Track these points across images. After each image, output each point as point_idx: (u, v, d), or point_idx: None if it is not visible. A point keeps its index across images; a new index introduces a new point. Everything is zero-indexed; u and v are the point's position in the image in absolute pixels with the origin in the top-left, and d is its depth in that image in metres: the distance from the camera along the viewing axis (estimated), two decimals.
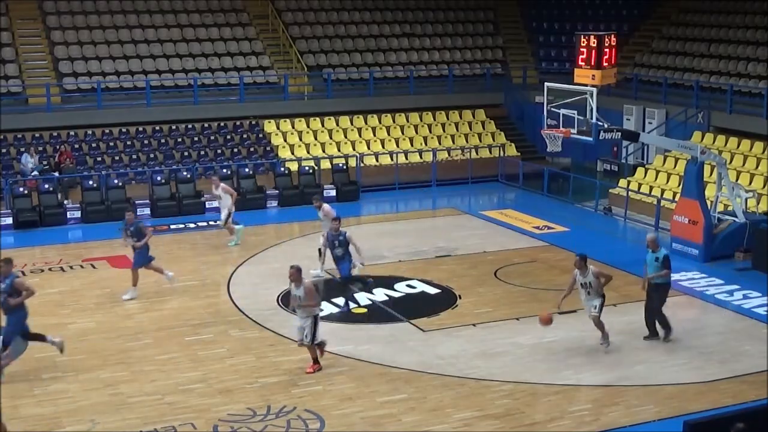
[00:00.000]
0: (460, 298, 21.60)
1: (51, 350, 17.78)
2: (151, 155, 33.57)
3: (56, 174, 31.57)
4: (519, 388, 16.50)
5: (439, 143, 36.64)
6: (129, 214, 22.13)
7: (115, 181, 31.18)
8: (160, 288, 22.15)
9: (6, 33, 36.48)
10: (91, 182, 31.01)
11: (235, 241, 26.53)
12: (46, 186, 30.49)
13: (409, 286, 22.44)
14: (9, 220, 28.95)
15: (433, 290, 22.25)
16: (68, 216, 29.91)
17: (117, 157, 33.33)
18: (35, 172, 31.27)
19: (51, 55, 36.54)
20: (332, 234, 20.74)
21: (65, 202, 30.49)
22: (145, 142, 34.32)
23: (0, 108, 31.82)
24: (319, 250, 23.00)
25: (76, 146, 33.45)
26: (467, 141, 37.00)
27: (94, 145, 33.78)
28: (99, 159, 33.07)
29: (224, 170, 32.32)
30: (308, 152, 35.12)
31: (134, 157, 33.42)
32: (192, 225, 29.18)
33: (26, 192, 30.08)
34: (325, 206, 23.15)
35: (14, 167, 31.94)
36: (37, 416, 15.30)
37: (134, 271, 21.76)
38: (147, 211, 30.42)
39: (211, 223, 29.21)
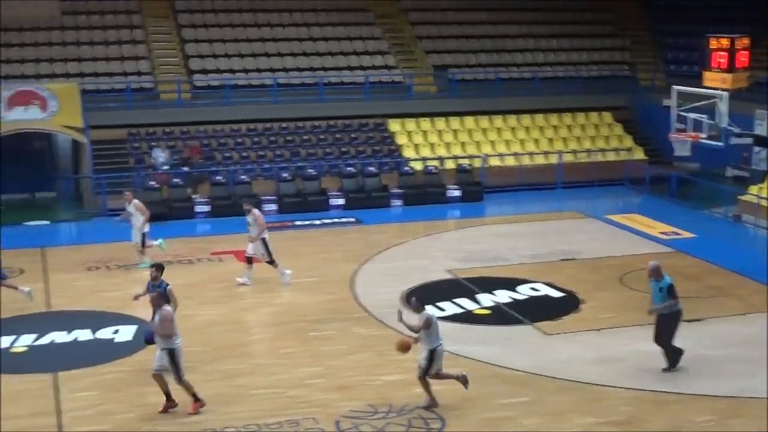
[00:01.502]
0: (583, 302, 21.35)
1: None
2: (278, 152, 34.05)
3: (185, 168, 32.27)
4: (640, 396, 16.21)
5: (565, 145, 36.26)
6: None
7: (243, 177, 31.74)
8: (282, 283, 22.45)
9: (139, 31, 37.46)
10: (219, 177, 31.64)
11: (148, 264, 23.12)
12: (176, 180, 31.21)
13: (532, 289, 22.26)
14: None
15: (556, 293, 22.04)
16: (196, 210, 30.57)
17: (244, 153, 33.90)
18: (166, 166, 32.04)
19: (182, 52, 37.35)
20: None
21: (194, 196, 31.15)
22: (272, 138, 34.83)
23: (133, 103, 32.72)
24: (248, 258, 22.65)
25: (205, 142, 34.14)
26: (593, 143, 36.54)
27: (222, 140, 34.42)
28: (227, 155, 33.68)
29: (349, 168, 32.60)
30: (432, 152, 35.13)
31: (261, 153, 33.93)
32: (317, 222, 29.50)
33: (157, 185, 30.82)
34: (255, 211, 22.73)
35: (145, 161, 32.77)
36: (161, 405, 15.64)
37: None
38: (273, 207, 30.84)
39: (335, 220, 29.53)
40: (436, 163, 34.00)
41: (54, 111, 31.79)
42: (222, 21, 38.60)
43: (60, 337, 19.00)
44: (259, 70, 36.80)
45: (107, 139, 33.15)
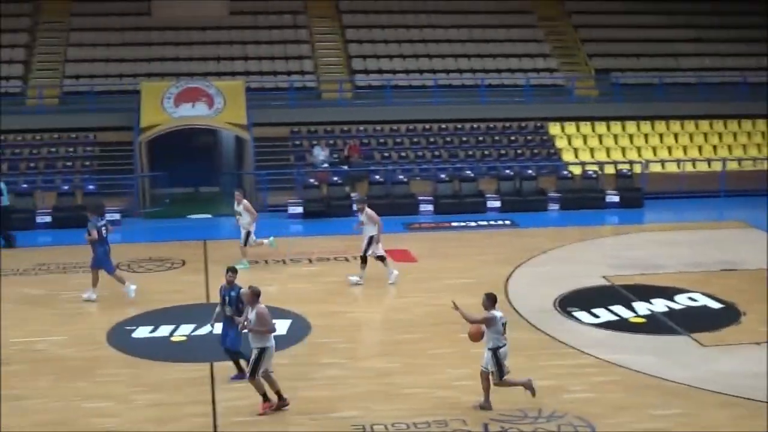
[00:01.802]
0: (743, 314, 20.69)
1: (330, 336, 18.55)
2: (436, 153, 34.16)
3: (345, 167, 32.70)
4: None
5: (729, 152, 35.24)
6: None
7: (400, 177, 31.95)
8: (440, 284, 22.48)
9: (304, 31, 38.16)
10: (377, 176, 31.93)
11: (246, 265, 24.00)
12: (335, 178, 31.65)
13: (690, 298, 21.70)
14: (299, 210, 30.29)
15: (715, 304, 21.43)
16: (354, 208, 30.88)
17: (403, 153, 34.13)
18: (325, 164, 32.54)
19: (345, 52, 37.86)
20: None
21: (352, 194, 31.52)
22: (431, 139, 34.98)
23: (295, 102, 33.33)
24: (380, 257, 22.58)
25: (365, 141, 34.52)
26: (759, 151, 35.37)
27: (381, 140, 34.75)
28: (386, 154, 33.99)
29: (507, 171, 32.46)
30: (592, 156, 34.67)
31: (419, 154, 34.11)
32: (472, 224, 29.47)
33: (316, 183, 31.33)
34: (368, 210, 22.69)
35: (306, 158, 33.35)
36: (314, 399, 15.88)
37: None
38: (429, 207, 30.96)
39: (491, 222, 29.45)
40: (595, 167, 33.53)
41: (220, 108, 32.69)
42: (385, 22, 38.98)
43: (218, 328, 19.47)
44: (420, 71, 37.02)
45: (270, 136, 33.89)
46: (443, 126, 35.41)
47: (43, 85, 35.12)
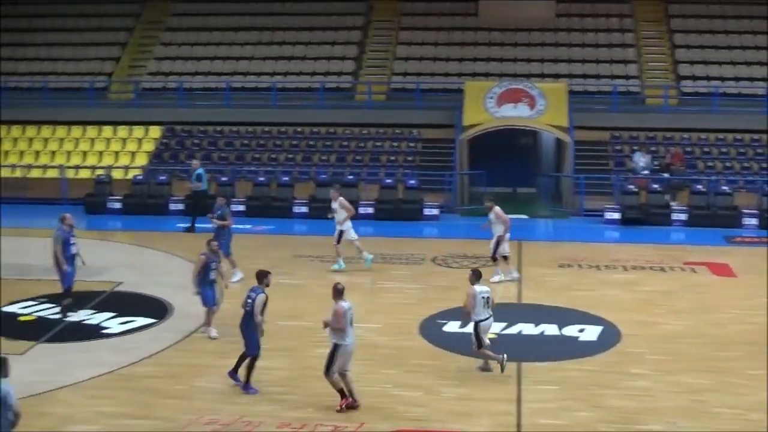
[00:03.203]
0: None
1: (641, 347, 18.22)
2: (764, 164, 32.61)
3: (666, 175, 31.88)
4: None
5: None
6: (221, 200, 23.75)
7: (724, 188, 30.79)
8: (760, 301, 21.45)
9: (630, 34, 37.53)
10: (699, 186, 30.92)
11: (342, 265, 24.09)
12: (655, 186, 30.93)
13: None
14: (616, 216, 29.85)
15: None
16: (673, 217, 30.12)
17: (728, 164, 32.87)
18: (645, 171, 31.85)
19: (672, 57, 36.89)
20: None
21: (672, 203, 30.70)
22: (758, 150, 33.45)
23: (618, 106, 32.83)
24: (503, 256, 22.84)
25: (688, 149, 33.50)
26: None
27: (705, 149, 33.61)
28: (709, 164, 32.84)
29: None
30: None
31: (746, 165, 32.72)
32: None
33: (635, 190, 30.74)
34: (497, 209, 22.91)
35: (626, 164, 32.78)
36: (620, 408, 15.61)
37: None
38: (754, 221, 29.57)
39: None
40: None
41: (541, 110, 32.75)
42: (716, 27, 37.63)
43: (527, 329, 19.56)
44: (750, 79, 35.46)
45: (590, 140, 33.58)
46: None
47: (373, 82, 36.51)
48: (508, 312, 20.41)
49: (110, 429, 15.00)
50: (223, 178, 32.36)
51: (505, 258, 23.24)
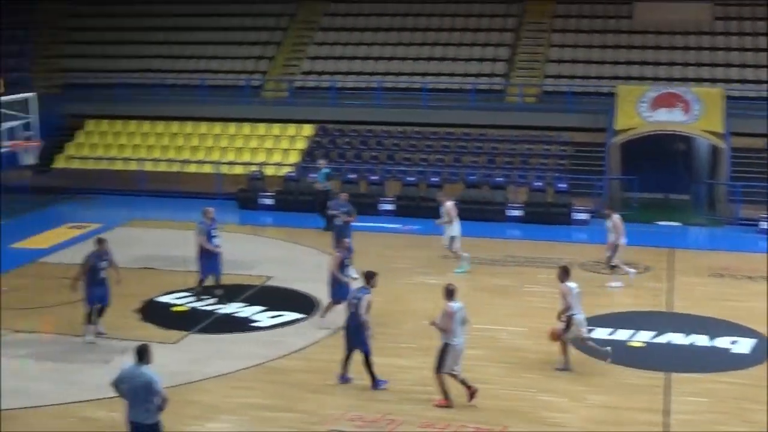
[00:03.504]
0: None
1: None
2: None
3: None
4: None
5: None
6: (344, 196, 24.64)
7: None
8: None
9: None
10: None
11: (465, 268, 24.03)
12: None
13: None
14: None
15: None
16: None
17: None
18: None
19: None
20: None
21: None
22: None
23: None
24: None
25: None
26: None
27: None
28: None
29: None
30: None
31: None
32: None
33: None
34: (615, 216, 22.93)
35: None
36: (759, 422, 15.18)
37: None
38: None
39: None
40: None
41: (696, 115, 32.03)
42: None
43: (677, 338, 19.17)
44: None
45: (747, 147, 32.62)
46: None
47: (524, 84, 36.30)
48: (657, 321, 20.10)
49: (255, 420, 15.34)
50: (373, 177, 32.66)
51: (614, 266, 23.20)
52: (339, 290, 19.13)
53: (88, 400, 16.01)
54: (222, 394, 16.39)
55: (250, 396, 16.32)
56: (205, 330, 19.71)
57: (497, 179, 32.01)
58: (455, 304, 15.66)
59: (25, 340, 19.25)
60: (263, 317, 20.39)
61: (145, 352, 12.57)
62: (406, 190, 31.88)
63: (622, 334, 19.29)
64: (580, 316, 17.14)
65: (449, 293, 15.71)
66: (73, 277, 19.03)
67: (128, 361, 12.83)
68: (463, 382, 15.76)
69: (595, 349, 17.46)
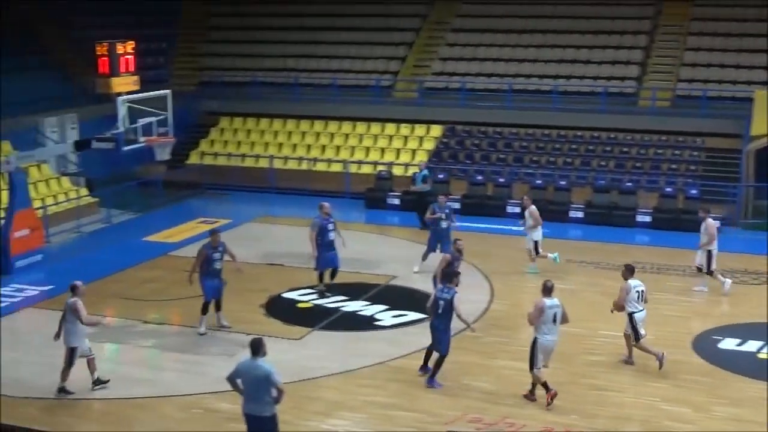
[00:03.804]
0: None
1: None
2: None
3: None
4: None
5: None
6: (442, 198, 24.42)
7: None
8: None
9: None
10: None
11: (535, 269, 24.03)
12: None
13: None
14: None
15: None
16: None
17: None
18: None
19: None
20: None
21: None
22: None
23: None
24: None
25: None
26: None
27: None
28: None
29: None
30: None
31: None
32: None
33: None
34: (709, 219, 22.70)
35: None
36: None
37: None
38: None
39: None
40: None
41: None
42: None
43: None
44: None
45: None
46: None
47: (657, 87, 35.64)
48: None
49: (375, 418, 15.45)
50: (500, 180, 32.49)
51: (699, 270, 22.68)
52: None
53: (211, 392, 16.37)
54: (343, 391, 16.56)
55: (370, 394, 16.45)
56: (329, 327, 19.93)
57: (626, 184, 31.51)
58: (548, 301, 15.85)
59: (152, 330, 19.81)
60: (386, 316, 20.52)
61: (260, 346, 12.80)
62: (533, 193, 31.60)
63: (751, 345, 18.80)
64: (639, 314, 17.51)
65: (546, 290, 15.98)
66: (190, 270, 19.49)
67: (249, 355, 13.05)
68: (548, 387, 15.87)
69: (648, 350, 17.59)
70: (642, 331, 17.47)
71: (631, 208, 30.18)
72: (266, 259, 24.89)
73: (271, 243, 25.89)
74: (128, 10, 40.99)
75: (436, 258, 21.69)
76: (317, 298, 21.70)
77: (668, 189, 30.97)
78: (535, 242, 24.11)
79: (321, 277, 22.11)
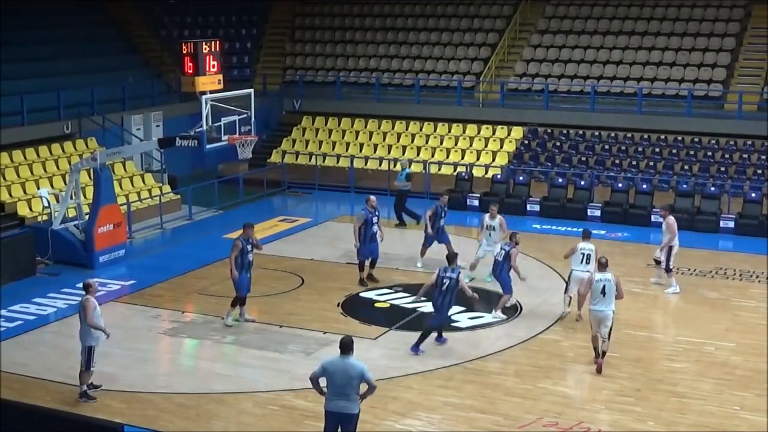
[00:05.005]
0: None
1: None
2: None
3: None
4: None
5: None
6: (444, 198, 24.88)
7: None
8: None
9: None
10: None
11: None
12: None
13: None
14: None
15: None
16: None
17: None
18: None
19: None
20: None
21: None
22: None
23: None
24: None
25: None
26: None
27: None
28: None
29: None
30: None
31: None
32: None
33: None
34: (670, 218, 22.80)
35: None
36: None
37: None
38: None
39: None
40: None
41: None
42: None
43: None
44: None
45: None
46: None
47: (744, 91, 34.99)
48: None
49: (451, 419, 15.43)
50: (582, 183, 32.19)
51: (657, 263, 23.13)
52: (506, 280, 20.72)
53: (289, 390, 16.49)
54: (420, 392, 16.58)
55: (450, 395, 16.44)
56: (406, 327, 19.94)
57: (710, 189, 31.00)
58: (598, 274, 17.37)
59: (232, 327, 19.99)
60: (463, 317, 20.45)
61: (350, 344, 12.85)
62: (614, 197, 31.27)
63: None
64: (575, 273, 20.03)
65: (600, 265, 17.65)
66: (230, 263, 19.78)
67: (329, 353, 13.10)
68: (596, 350, 17.18)
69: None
70: (573, 289, 19.94)
71: (715, 213, 29.68)
72: (345, 257, 24.99)
73: (350, 242, 25.93)
74: (216, 10, 41.60)
75: (438, 252, 23.37)
76: (393, 298, 21.77)
77: (753, 194, 30.40)
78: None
79: (362, 266, 23.04)
